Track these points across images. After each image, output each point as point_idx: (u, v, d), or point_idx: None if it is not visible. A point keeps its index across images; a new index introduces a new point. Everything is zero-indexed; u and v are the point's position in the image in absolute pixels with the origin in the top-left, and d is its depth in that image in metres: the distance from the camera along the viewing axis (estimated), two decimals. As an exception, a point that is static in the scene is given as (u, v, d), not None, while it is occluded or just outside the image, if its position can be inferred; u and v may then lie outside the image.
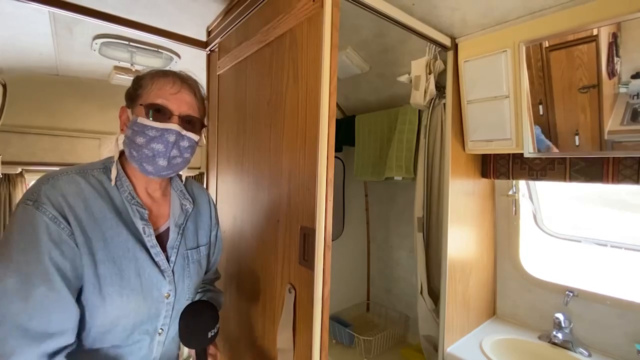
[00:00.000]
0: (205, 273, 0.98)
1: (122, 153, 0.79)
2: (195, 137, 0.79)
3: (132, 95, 0.77)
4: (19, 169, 2.03)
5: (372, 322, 2.33)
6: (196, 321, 0.78)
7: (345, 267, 2.32)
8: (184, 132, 0.76)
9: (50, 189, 0.66)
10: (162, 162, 0.74)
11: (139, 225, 0.75)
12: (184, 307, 0.83)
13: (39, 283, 0.61)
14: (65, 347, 0.64)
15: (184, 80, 0.78)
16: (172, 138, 0.74)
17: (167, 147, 0.74)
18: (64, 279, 0.63)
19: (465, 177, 1.48)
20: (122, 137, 0.78)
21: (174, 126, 0.74)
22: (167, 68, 0.78)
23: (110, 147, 0.81)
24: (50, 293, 0.61)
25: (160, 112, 0.73)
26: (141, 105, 0.74)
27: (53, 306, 0.62)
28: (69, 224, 0.65)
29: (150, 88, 0.75)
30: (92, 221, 0.69)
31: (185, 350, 0.92)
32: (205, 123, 0.84)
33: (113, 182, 0.74)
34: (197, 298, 0.96)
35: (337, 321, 2.11)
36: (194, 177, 2.77)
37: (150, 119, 0.73)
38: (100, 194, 0.72)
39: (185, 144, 0.77)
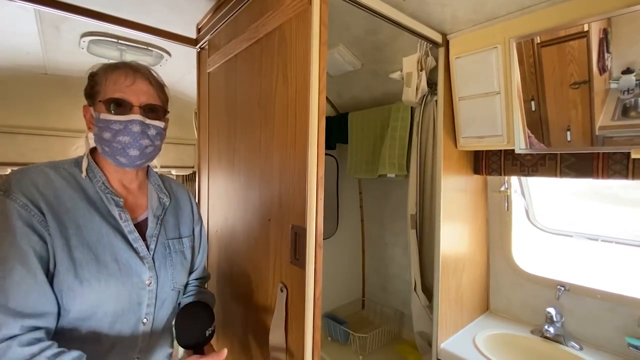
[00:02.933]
0: (193, 271, 0.98)
1: (94, 149, 0.81)
2: (160, 124, 0.81)
3: (90, 93, 0.78)
4: (8, 170, 2.00)
5: (367, 319, 2.34)
6: (193, 321, 0.80)
7: (340, 264, 2.32)
8: (148, 121, 0.77)
9: (21, 178, 0.69)
10: (134, 152, 0.76)
11: (115, 212, 0.77)
12: (168, 296, 0.84)
13: (17, 266, 0.62)
14: (46, 328, 0.65)
15: (137, 70, 0.78)
16: (136, 128, 0.75)
17: (134, 138, 0.76)
18: (40, 262, 0.65)
19: (458, 174, 1.48)
20: (91, 135, 0.79)
21: (136, 116, 0.75)
22: (151, 64, 0.79)
23: (81, 146, 0.83)
24: (28, 275, 0.63)
25: (120, 106, 0.75)
26: (100, 101, 0.75)
27: (31, 288, 0.63)
28: (40, 210, 0.67)
29: (106, 83, 0.76)
30: (63, 209, 0.70)
31: (180, 351, 0.92)
32: (168, 109, 0.85)
33: (84, 174, 0.76)
34: (188, 300, 0.95)
35: (332, 319, 2.11)
36: (188, 176, 2.75)
37: (112, 112, 0.74)
38: (70, 185, 0.74)
39: (152, 132, 0.79)
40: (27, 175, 0.70)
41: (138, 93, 0.76)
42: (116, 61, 0.80)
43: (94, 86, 0.77)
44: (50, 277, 0.67)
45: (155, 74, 0.83)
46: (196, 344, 0.81)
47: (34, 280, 0.64)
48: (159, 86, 0.83)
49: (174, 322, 0.85)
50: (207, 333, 0.81)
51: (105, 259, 0.72)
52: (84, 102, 0.81)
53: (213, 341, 1.37)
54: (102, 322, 0.72)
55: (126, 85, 0.75)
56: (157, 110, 0.80)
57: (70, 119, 2.10)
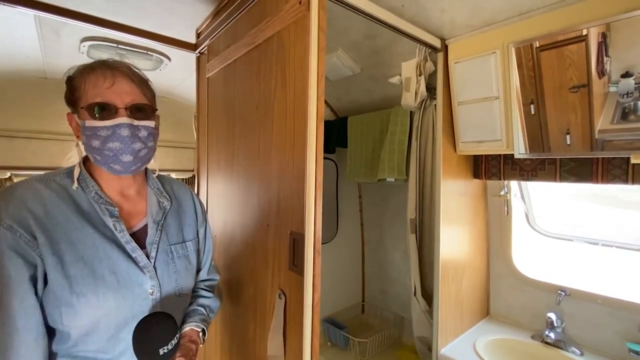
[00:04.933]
0: (198, 272, 0.97)
1: (87, 157, 0.78)
2: (150, 123, 0.76)
3: (71, 99, 0.74)
4: (8, 174, 2.00)
5: (367, 323, 2.33)
6: (144, 336, 0.70)
7: (340, 268, 2.31)
8: (137, 122, 0.73)
9: (8, 198, 0.67)
10: (127, 158, 0.73)
11: (109, 222, 0.74)
12: (176, 304, 0.82)
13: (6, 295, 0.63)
14: None
15: (115, 69, 0.73)
16: (125, 132, 0.71)
17: (124, 143, 0.71)
18: (29, 286, 0.65)
19: (457, 178, 1.47)
20: (81, 144, 0.76)
21: (122, 119, 0.70)
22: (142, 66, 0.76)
23: (75, 156, 0.80)
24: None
25: (104, 110, 0.70)
26: (82, 108, 0.71)
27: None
28: (27, 229, 0.66)
29: (85, 88, 0.71)
30: (54, 224, 0.68)
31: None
32: (156, 106, 0.80)
33: (75, 185, 0.73)
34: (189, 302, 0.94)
35: (332, 323, 2.10)
36: (187, 180, 2.75)
37: (97, 118, 0.70)
38: (61, 198, 0.72)
39: (143, 133, 0.75)
40: (15, 193, 0.68)
41: (121, 94, 0.71)
42: (92, 61, 0.75)
43: (74, 91, 0.73)
44: (40, 295, 0.67)
45: (136, 70, 0.78)
46: None
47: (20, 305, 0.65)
48: (143, 82, 0.77)
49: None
50: (162, 352, 0.70)
51: (102, 273, 0.70)
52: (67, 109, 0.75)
53: (213, 346, 1.37)
54: (105, 335, 0.71)
55: (106, 88, 0.70)
56: (145, 109, 0.75)
57: (70, 123, 2.10)
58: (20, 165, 2.00)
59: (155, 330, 0.71)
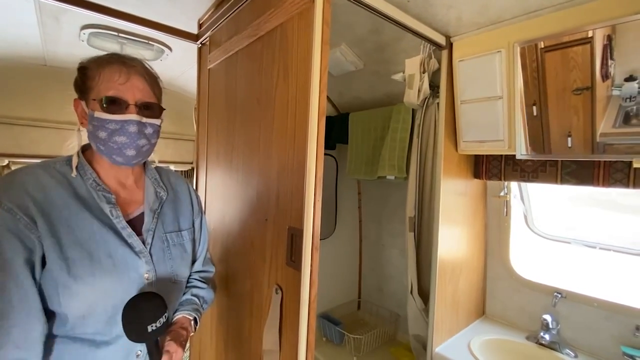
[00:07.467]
0: (194, 263, 0.98)
1: (87, 145, 0.80)
2: (156, 121, 0.79)
3: (82, 87, 0.76)
4: (6, 161, 1.99)
5: (362, 320, 2.33)
6: (132, 313, 0.71)
7: (337, 265, 2.31)
8: (145, 120, 0.76)
9: (9, 182, 0.68)
10: (130, 152, 0.75)
11: (106, 209, 0.76)
12: (171, 290, 0.84)
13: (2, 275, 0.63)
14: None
15: (131, 66, 0.75)
16: (133, 128, 0.74)
17: (130, 138, 0.74)
18: (25, 268, 0.65)
19: (457, 178, 1.47)
20: (83, 130, 0.78)
21: (132, 116, 0.73)
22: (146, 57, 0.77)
23: (74, 143, 0.82)
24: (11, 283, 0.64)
25: (115, 104, 0.72)
26: (94, 99, 0.73)
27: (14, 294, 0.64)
28: (27, 213, 0.66)
29: (99, 80, 0.73)
30: (53, 208, 0.70)
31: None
32: (163, 105, 0.83)
33: (74, 172, 0.75)
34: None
35: (328, 319, 2.11)
36: (187, 172, 2.74)
37: (107, 111, 0.72)
38: (60, 184, 0.73)
39: (149, 130, 0.78)
40: (16, 178, 0.69)
41: (133, 90, 0.74)
42: (108, 53, 0.77)
43: (86, 81, 0.75)
44: (39, 278, 0.68)
45: (149, 67, 0.81)
46: (139, 340, 0.72)
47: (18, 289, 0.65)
48: (153, 80, 0.80)
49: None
50: (150, 329, 0.71)
51: (99, 256, 0.71)
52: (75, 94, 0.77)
53: (209, 339, 1.37)
54: (103, 318, 0.72)
55: (120, 83, 0.73)
56: (153, 107, 0.78)
57: (69, 111, 2.08)
58: (18, 152, 1.99)
59: (144, 308, 0.72)
